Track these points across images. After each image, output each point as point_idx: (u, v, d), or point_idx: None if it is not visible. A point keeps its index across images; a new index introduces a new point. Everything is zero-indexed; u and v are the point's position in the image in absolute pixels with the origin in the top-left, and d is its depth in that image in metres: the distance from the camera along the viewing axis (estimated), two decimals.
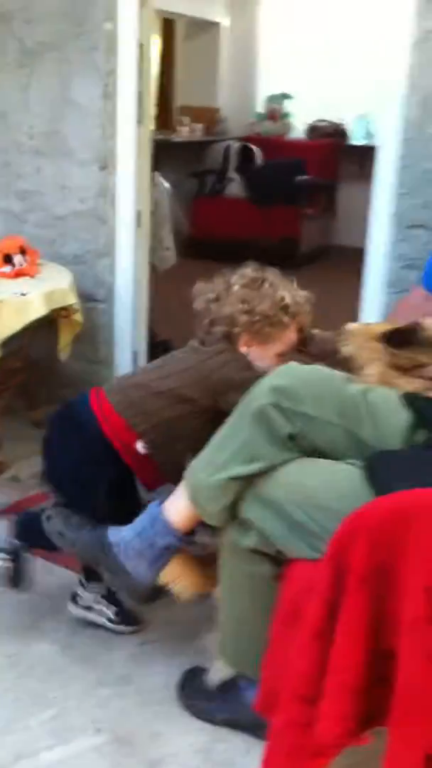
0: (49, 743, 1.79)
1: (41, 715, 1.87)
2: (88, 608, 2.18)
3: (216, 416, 1.84)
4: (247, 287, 2.01)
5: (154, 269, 3.95)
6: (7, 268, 2.99)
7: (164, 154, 6.32)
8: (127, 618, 2.18)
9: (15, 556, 2.05)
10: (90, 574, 2.16)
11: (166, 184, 4.26)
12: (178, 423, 1.95)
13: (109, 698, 1.94)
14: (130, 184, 3.38)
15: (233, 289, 2.01)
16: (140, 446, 1.95)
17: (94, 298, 3.44)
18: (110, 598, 2.17)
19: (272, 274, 2.07)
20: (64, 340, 3.18)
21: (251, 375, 1.85)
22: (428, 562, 1.15)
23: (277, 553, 1.62)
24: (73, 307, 3.05)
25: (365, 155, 6.92)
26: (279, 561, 1.64)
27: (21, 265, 3.02)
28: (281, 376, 1.69)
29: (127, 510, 1.94)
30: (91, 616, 2.17)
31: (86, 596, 2.18)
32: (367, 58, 6.69)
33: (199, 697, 1.91)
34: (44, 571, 2.39)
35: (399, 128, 2.80)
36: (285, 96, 7.37)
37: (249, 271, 2.06)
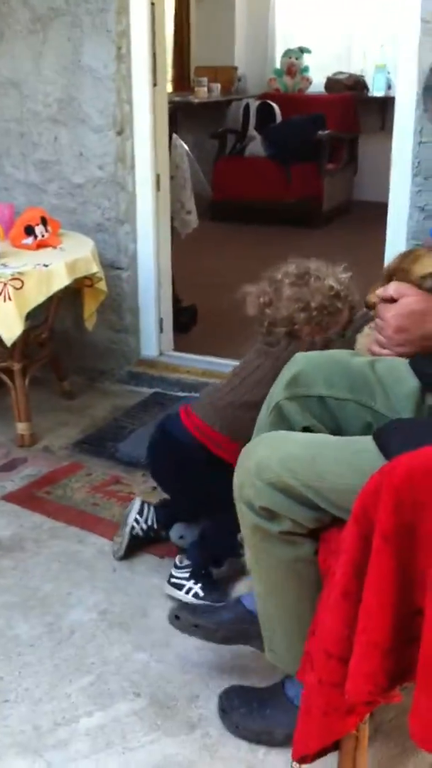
0: (89, 709, 1.81)
1: (80, 681, 1.89)
2: (179, 587, 2.18)
3: None
4: (296, 285, 2.09)
5: (176, 234, 3.92)
6: (29, 240, 2.98)
7: (183, 116, 6.28)
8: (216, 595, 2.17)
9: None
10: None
11: (185, 147, 4.21)
12: None
13: (147, 663, 1.96)
14: (147, 149, 3.34)
15: (283, 291, 2.09)
16: None
17: (117, 266, 3.42)
18: (200, 576, 2.17)
19: (315, 265, 2.14)
20: (89, 309, 3.18)
21: None
22: None
23: (313, 530, 1.55)
24: (96, 276, 3.04)
25: (386, 106, 6.84)
26: (317, 535, 1.56)
27: (43, 236, 3.01)
28: (291, 366, 1.71)
29: None
30: (180, 594, 2.16)
31: (179, 575, 2.19)
32: (383, 5, 6.55)
33: (246, 715, 1.79)
34: (76, 539, 2.42)
35: (416, 74, 2.72)
36: (302, 50, 7.22)
37: (293, 268, 2.13)
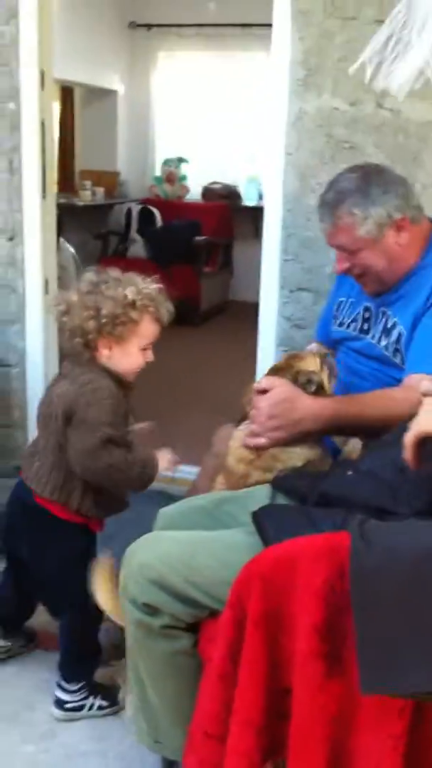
0: None
1: None
2: (79, 708, 2.16)
3: None
4: (90, 293, 2.01)
5: None
6: None
7: (68, 218, 6.46)
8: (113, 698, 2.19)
9: None
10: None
11: (71, 249, 4.41)
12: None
13: (35, 754, 2.01)
14: (37, 254, 3.50)
15: (77, 298, 2.02)
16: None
17: (5, 363, 3.53)
18: (94, 688, 2.18)
19: (114, 273, 2.08)
20: None
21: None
22: (312, 602, 1.28)
23: (191, 624, 1.67)
24: None
25: (258, 215, 7.25)
26: (195, 628, 1.69)
27: None
28: (157, 523, 1.88)
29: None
30: (83, 714, 2.16)
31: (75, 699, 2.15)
32: (254, 126, 7.07)
33: None
34: None
35: (281, 200, 3.03)
36: (181, 160, 7.64)
37: (90, 275, 2.07)
